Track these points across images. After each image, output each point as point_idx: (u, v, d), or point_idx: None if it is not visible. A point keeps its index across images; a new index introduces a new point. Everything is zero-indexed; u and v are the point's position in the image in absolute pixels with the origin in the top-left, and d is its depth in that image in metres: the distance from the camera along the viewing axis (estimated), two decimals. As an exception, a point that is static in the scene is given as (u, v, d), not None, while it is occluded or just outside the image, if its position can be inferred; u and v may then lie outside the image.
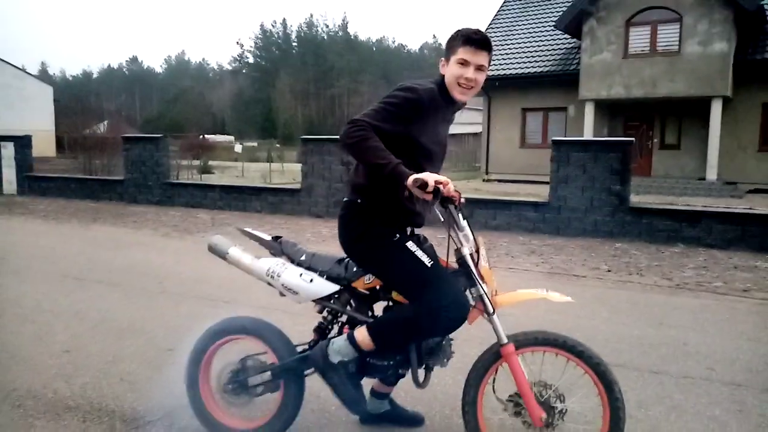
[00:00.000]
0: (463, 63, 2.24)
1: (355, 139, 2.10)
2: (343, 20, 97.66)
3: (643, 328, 4.32)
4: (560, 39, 20.08)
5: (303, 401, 2.50)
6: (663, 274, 6.23)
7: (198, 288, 5.33)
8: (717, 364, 3.61)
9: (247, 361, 2.51)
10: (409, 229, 2.39)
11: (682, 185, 16.31)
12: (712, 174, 16.28)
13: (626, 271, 6.37)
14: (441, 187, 2.02)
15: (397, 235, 2.28)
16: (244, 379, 2.48)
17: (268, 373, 2.45)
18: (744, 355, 3.77)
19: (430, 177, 2.00)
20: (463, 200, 2.22)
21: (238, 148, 38.88)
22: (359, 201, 2.33)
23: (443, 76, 2.31)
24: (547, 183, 9.29)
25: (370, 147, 2.09)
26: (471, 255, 2.23)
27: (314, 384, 2.54)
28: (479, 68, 2.25)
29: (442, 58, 2.34)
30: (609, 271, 6.40)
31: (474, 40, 2.23)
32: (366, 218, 2.31)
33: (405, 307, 2.28)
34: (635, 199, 10.05)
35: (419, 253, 2.24)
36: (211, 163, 25.83)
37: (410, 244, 2.27)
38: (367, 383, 2.50)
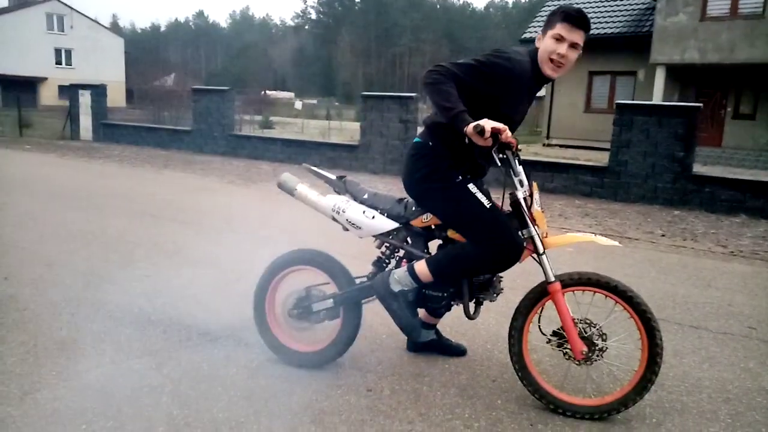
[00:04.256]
0: (559, 39, 2.33)
1: (433, 79, 2.28)
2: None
3: (690, 288, 4.39)
4: (633, -1, 19.20)
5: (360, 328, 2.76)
6: (718, 241, 6.17)
7: (263, 228, 5.70)
8: (759, 324, 3.67)
9: (312, 289, 2.77)
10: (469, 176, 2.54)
11: (753, 157, 15.58)
12: (787, 146, 15.47)
13: (681, 237, 6.34)
14: (499, 133, 2.18)
15: (459, 177, 2.46)
16: (308, 305, 2.74)
17: (331, 300, 2.70)
18: (789, 318, 3.81)
19: (488, 123, 2.15)
20: (520, 147, 2.38)
21: (298, 104, 39.45)
22: (430, 144, 2.51)
23: (537, 49, 2.41)
24: (609, 150, 9.16)
25: (443, 90, 2.25)
26: (525, 198, 2.40)
27: (368, 314, 2.79)
28: (573, 46, 2.34)
29: (539, 32, 2.45)
30: (663, 235, 6.39)
31: (572, 17, 2.33)
32: (434, 160, 2.48)
33: (463, 244, 2.47)
34: (702, 169, 9.78)
35: (479, 195, 2.41)
36: (272, 118, 26.38)
37: (471, 186, 2.44)
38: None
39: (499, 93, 2.35)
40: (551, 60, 2.36)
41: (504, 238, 2.35)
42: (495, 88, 2.33)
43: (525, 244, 2.43)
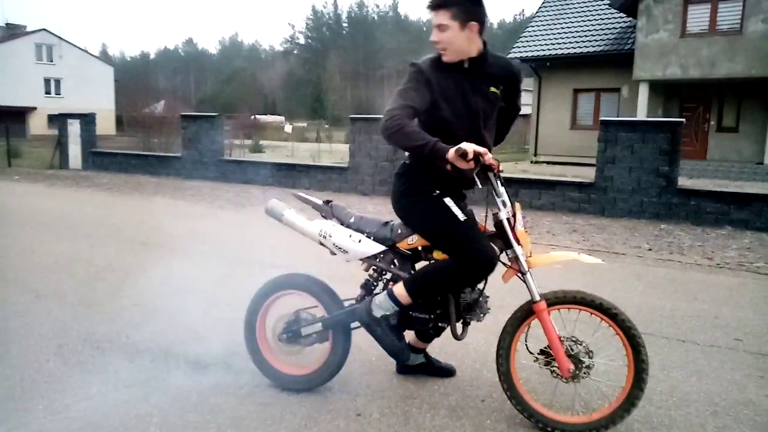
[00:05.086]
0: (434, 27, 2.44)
1: (393, 128, 2.31)
2: (394, 0, 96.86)
3: (676, 302, 4.42)
4: (615, 18, 19.58)
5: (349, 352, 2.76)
6: (704, 254, 6.24)
7: (252, 253, 5.71)
8: (746, 336, 3.71)
9: (300, 313, 2.79)
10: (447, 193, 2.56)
11: (737, 169, 15.79)
12: (771, 158, 15.70)
13: (668, 251, 6.40)
14: (480, 156, 2.22)
15: (437, 192, 2.50)
16: (297, 329, 2.76)
17: (320, 324, 2.73)
18: (775, 329, 3.84)
19: (469, 147, 2.20)
20: (501, 169, 2.42)
21: (288, 128, 39.61)
22: (410, 162, 2.58)
23: None
24: (596, 166, 9.27)
25: (407, 132, 2.30)
26: (508, 219, 2.44)
27: (357, 337, 2.81)
28: (438, 27, 2.39)
29: None
30: (650, 249, 6.45)
31: (428, 3, 2.42)
32: (413, 177, 2.55)
33: (437, 261, 2.52)
34: (687, 183, 9.91)
35: (455, 209, 2.45)
36: (262, 142, 26.49)
37: (448, 200, 2.48)
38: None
39: (434, 95, 2.41)
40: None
41: (475, 249, 2.37)
42: (428, 93, 2.40)
43: (510, 264, 2.47)
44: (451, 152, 2.21)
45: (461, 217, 2.44)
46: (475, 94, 2.47)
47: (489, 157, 2.25)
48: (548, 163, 19.43)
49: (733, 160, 16.83)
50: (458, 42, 2.40)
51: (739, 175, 15.48)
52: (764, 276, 5.38)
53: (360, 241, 2.65)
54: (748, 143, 16.95)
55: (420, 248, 2.62)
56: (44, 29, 43.88)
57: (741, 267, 5.70)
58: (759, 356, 3.37)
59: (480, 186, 2.39)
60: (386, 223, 2.70)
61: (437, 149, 2.24)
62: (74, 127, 16.27)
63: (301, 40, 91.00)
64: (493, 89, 2.50)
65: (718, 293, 4.71)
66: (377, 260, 2.68)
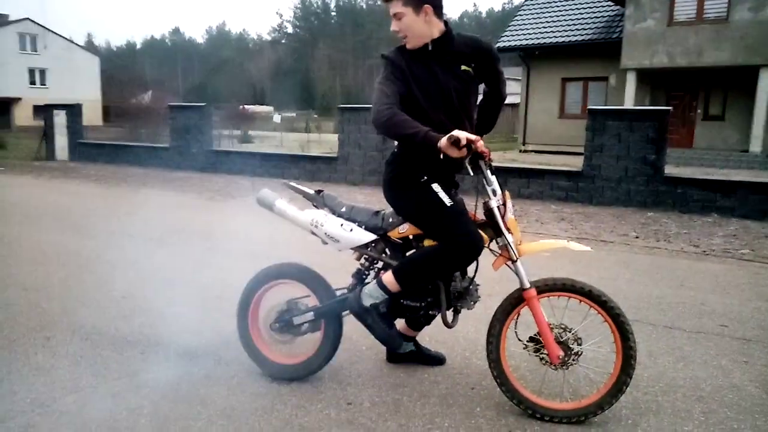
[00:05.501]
0: None
1: (385, 117, 2.33)
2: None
3: (663, 289, 4.47)
4: (602, 6, 19.61)
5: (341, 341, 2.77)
6: (691, 241, 6.30)
7: (243, 244, 5.69)
8: (731, 321, 3.76)
9: (292, 303, 2.80)
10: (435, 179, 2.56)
11: (724, 157, 15.93)
12: (756, 146, 15.84)
13: (654, 238, 6.46)
14: (472, 143, 2.23)
15: (425, 178, 2.51)
16: (289, 318, 2.77)
17: (311, 313, 2.74)
18: (759, 315, 3.90)
19: (462, 134, 2.21)
20: (492, 157, 2.43)
21: (276, 118, 39.42)
22: (399, 150, 2.59)
23: None
24: (584, 154, 9.31)
25: (398, 122, 2.32)
26: (498, 207, 2.45)
27: (347, 327, 2.81)
28: (395, 17, 2.46)
29: None
30: (637, 237, 6.51)
31: None
32: (401, 164, 2.57)
33: (425, 246, 2.53)
34: (674, 171, 9.98)
35: (442, 194, 2.47)
36: (250, 132, 26.32)
37: (435, 186, 2.49)
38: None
39: (409, 82, 2.44)
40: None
41: (461, 233, 2.39)
42: (404, 82, 2.44)
43: (500, 252, 2.48)
44: (444, 140, 2.22)
45: (448, 202, 2.45)
46: (445, 74, 2.48)
47: (481, 144, 2.27)
48: (537, 152, 19.49)
49: (720, 149, 16.97)
50: (416, 27, 2.44)
51: (725, 163, 15.61)
52: (749, 263, 5.45)
53: (351, 230, 2.65)
54: (733, 131, 17.09)
55: (411, 237, 2.63)
56: (28, 18, 43.21)
57: (727, 254, 5.77)
58: (744, 342, 3.42)
59: (472, 174, 2.40)
60: (377, 212, 2.70)
61: (429, 138, 2.26)
62: (60, 118, 16.07)
63: (290, 30, 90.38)
64: (464, 67, 2.51)
65: (704, 280, 4.77)
66: (369, 249, 2.68)
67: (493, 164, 2.48)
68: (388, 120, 2.32)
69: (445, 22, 2.52)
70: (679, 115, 17.51)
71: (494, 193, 2.45)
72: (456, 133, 2.21)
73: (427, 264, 2.46)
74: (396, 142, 2.60)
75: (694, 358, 3.16)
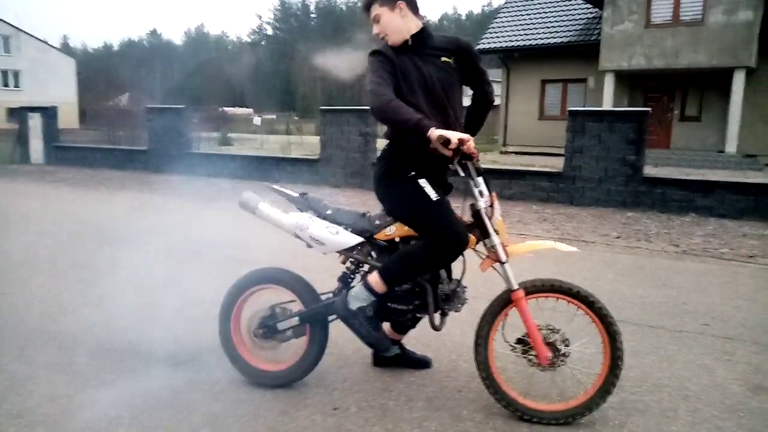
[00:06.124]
0: None
1: (383, 103, 2.34)
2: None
3: (646, 289, 4.50)
4: (581, 9, 19.84)
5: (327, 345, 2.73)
6: (671, 241, 6.37)
7: (224, 248, 5.61)
8: (713, 320, 3.79)
9: (276, 308, 2.74)
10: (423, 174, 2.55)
11: (701, 158, 16.18)
12: (731, 147, 16.12)
13: (635, 238, 6.51)
14: (462, 144, 2.21)
15: (413, 173, 2.49)
16: (273, 324, 2.71)
17: (296, 318, 2.68)
18: (740, 313, 3.94)
19: (453, 134, 2.20)
20: (479, 158, 2.41)
21: (257, 120, 39.06)
22: (389, 146, 2.60)
23: None
24: (564, 155, 9.37)
25: (395, 107, 2.33)
26: (485, 209, 2.43)
27: (332, 331, 2.77)
28: (374, 20, 2.56)
29: None
30: (618, 237, 6.56)
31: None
32: (390, 159, 2.57)
33: (409, 244, 2.52)
34: (652, 171, 10.10)
35: (428, 189, 2.45)
36: (230, 135, 26.08)
37: (422, 181, 2.47)
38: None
39: (398, 74, 2.48)
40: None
41: (445, 228, 2.38)
42: (395, 75, 2.48)
43: (487, 254, 2.46)
44: (435, 136, 2.21)
45: (433, 197, 2.44)
46: (427, 65, 2.53)
47: (471, 145, 2.25)
48: (517, 153, 19.63)
49: (697, 149, 17.24)
50: (394, 23, 2.53)
51: (703, 163, 15.86)
52: (728, 261, 5.52)
53: (337, 233, 2.61)
54: (710, 132, 17.38)
55: (398, 239, 2.60)
56: (0, 19, 42.37)
57: (706, 253, 5.84)
58: (726, 340, 3.45)
59: (462, 174, 2.39)
60: (363, 214, 2.66)
61: (422, 125, 2.26)
62: (35, 121, 15.75)
63: (269, 31, 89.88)
64: (444, 59, 2.55)
65: (685, 279, 4.81)
66: (355, 252, 2.64)
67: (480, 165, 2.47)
68: (388, 104, 2.34)
69: (424, 24, 2.59)
70: (657, 116, 17.76)
71: (481, 194, 2.44)
72: (447, 133, 2.20)
73: (413, 261, 2.43)
74: (387, 141, 2.60)
75: (678, 358, 3.18)
